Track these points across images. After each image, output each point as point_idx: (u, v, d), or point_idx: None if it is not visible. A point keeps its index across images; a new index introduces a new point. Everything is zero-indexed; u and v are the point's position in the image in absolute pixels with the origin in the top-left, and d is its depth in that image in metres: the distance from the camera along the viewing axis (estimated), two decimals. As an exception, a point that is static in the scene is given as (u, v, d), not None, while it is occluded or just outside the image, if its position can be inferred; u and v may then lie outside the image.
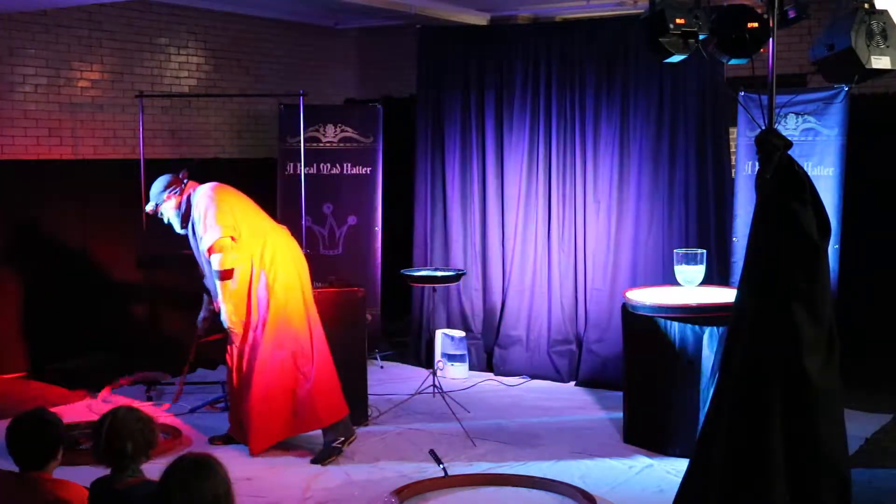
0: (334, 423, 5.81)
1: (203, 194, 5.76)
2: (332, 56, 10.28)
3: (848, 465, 3.99)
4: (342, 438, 5.81)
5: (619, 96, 7.47)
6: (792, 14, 4.35)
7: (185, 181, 5.88)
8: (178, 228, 5.91)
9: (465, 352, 7.83)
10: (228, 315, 5.73)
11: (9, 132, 7.75)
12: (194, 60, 9.02)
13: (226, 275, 5.67)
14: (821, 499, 3.84)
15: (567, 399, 7.18)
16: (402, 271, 7.16)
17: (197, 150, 9.05)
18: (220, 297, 5.73)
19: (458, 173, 8.09)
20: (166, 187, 5.85)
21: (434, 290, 7.22)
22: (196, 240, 5.80)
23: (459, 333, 7.84)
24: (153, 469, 3.44)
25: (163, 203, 5.86)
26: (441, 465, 5.39)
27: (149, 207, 5.96)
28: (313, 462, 5.70)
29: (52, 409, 3.87)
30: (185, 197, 5.84)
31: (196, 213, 5.73)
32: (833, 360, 3.93)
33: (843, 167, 6.60)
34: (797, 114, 6.73)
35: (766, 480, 3.81)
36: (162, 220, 5.93)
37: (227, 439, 6.02)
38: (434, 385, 6.90)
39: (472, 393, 7.30)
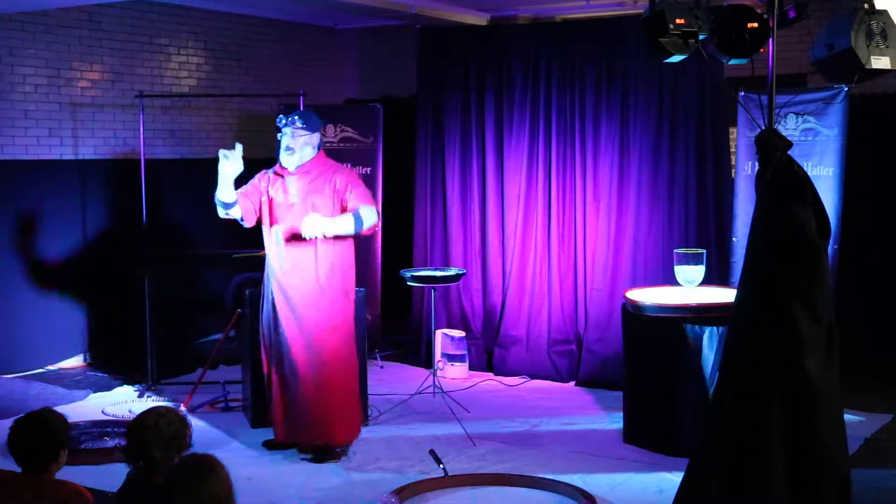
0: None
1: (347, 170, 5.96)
2: (332, 56, 10.28)
3: (848, 465, 3.99)
4: (342, 450, 5.81)
5: (619, 96, 7.46)
6: (792, 14, 4.35)
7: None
8: (293, 164, 5.69)
9: (465, 352, 7.83)
10: (326, 227, 5.48)
11: (9, 132, 7.76)
12: (194, 60, 9.02)
13: (365, 231, 5.63)
14: (821, 499, 3.84)
15: (567, 399, 7.18)
16: (401, 271, 7.16)
17: (197, 150, 9.06)
18: (339, 226, 5.54)
19: (458, 173, 8.09)
20: (320, 125, 5.83)
21: (434, 290, 7.21)
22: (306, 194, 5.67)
23: (459, 333, 7.84)
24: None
25: (315, 135, 5.74)
26: (441, 465, 5.39)
27: (301, 124, 5.67)
28: (313, 461, 5.69)
29: (58, 408, 3.84)
30: (322, 156, 5.83)
31: (361, 189, 5.73)
32: (833, 360, 3.93)
33: (843, 167, 6.60)
34: (797, 114, 6.73)
35: (766, 480, 3.81)
36: (292, 134, 5.67)
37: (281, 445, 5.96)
38: (434, 385, 6.90)
39: (472, 393, 7.30)
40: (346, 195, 5.66)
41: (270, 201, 5.75)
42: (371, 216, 5.64)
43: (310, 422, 5.70)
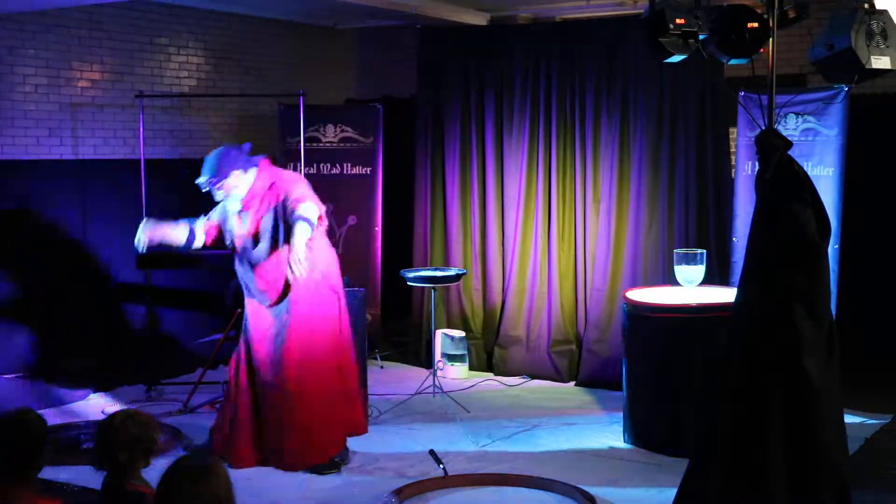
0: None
1: (297, 176, 5.70)
2: (332, 56, 10.28)
3: (848, 465, 3.99)
4: (342, 457, 5.73)
5: (619, 96, 7.46)
6: (792, 14, 4.35)
7: (255, 158, 5.59)
8: (234, 206, 5.57)
9: (465, 352, 7.83)
10: (301, 254, 5.37)
11: (9, 132, 7.76)
12: (194, 60, 9.02)
13: (313, 224, 5.44)
14: (821, 499, 3.84)
15: (567, 399, 7.18)
16: (401, 272, 7.16)
17: (197, 150, 9.04)
18: (302, 239, 5.37)
19: (458, 173, 8.09)
20: (237, 163, 5.53)
21: (434, 290, 7.21)
22: (249, 219, 5.56)
23: (459, 333, 7.84)
24: (154, 470, 3.44)
25: (232, 176, 5.50)
26: (441, 465, 5.39)
27: (205, 181, 5.52)
28: (312, 472, 5.58)
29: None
30: (263, 173, 5.57)
31: (293, 188, 5.49)
32: (833, 360, 3.93)
33: (843, 167, 6.60)
34: (797, 114, 6.73)
35: (766, 480, 3.81)
36: (218, 191, 5.54)
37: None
38: (434, 385, 6.90)
39: (472, 393, 7.30)
40: (287, 204, 5.47)
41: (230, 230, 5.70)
42: (311, 209, 5.43)
43: (286, 445, 5.61)
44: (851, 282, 6.85)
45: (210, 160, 5.59)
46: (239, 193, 5.57)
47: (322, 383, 5.62)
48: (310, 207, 5.42)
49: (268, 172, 5.64)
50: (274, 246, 5.57)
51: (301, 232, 5.32)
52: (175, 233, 5.75)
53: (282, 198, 5.51)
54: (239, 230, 5.67)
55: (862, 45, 4.13)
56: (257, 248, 5.60)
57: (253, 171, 5.59)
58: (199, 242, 5.84)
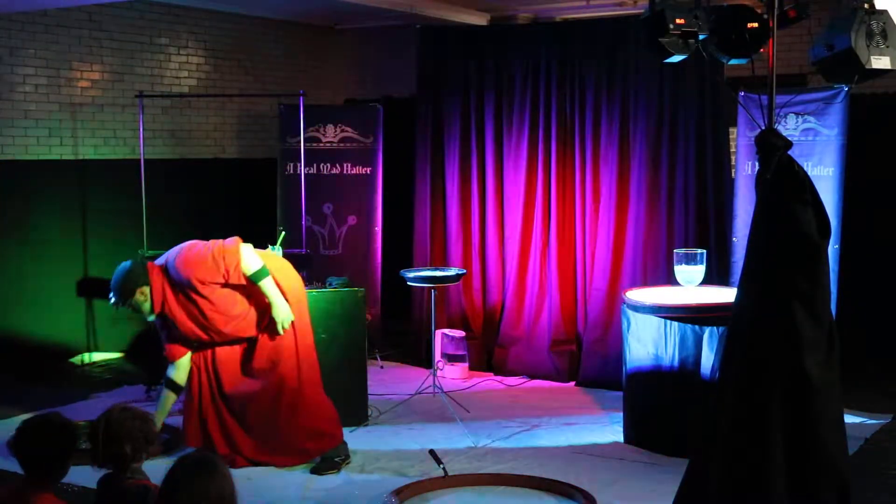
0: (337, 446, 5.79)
1: (181, 262, 5.48)
2: (332, 56, 10.28)
3: (848, 464, 3.99)
4: (342, 457, 5.73)
5: (619, 96, 7.47)
6: (792, 14, 4.35)
7: (146, 267, 5.51)
8: (149, 315, 5.57)
9: (465, 352, 7.83)
10: (282, 308, 5.55)
11: (9, 132, 7.76)
12: (194, 60, 9.03)
13: (263, 272, 5.50)
14: (820, 499, 3.84)
15: (567, 399, 7.18)
16: (401, 271, 7.16)
17: (197, 150, 9.06)
18: (271, 296, 5.53)
19: (458, 173, 8.09)
20: (138, 280, 5.46)
21: (434, 290, 7.21)
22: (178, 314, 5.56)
23: (459, 333, 7.84)
24: (156, 470, 3.44)
25: (137, 294, 5.47)
26: (441, 465, 5.39)
27: (116, 301, 5.49)
28: (312, 472, 5.61)
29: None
30: (159, 280, 5.50)
31: (192, 272, 5.44)
32: (833, 360, 3.92)
33: (843, 167, 6.60)
34: (797, 114, 6.73)
35: (765, 480, 3.81)
36: (132, 309, 5.55)
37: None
38: (434, 385, 6.91)
39: (472, 393, 7.30)
40: (222, 269, 5.45)
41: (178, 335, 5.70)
42: (246, 263, 5.47)
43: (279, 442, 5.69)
44: (851, 282, 6.86)
45: (113, 288, 5.52)
46: (146, 308, 5.53)
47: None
48: (244, 263, 5.45)
49: (158, 273, 5.54)
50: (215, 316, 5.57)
51: (269, 286, 5.49)
52: (169, 403, 5.87)
53: (187, 280, 5.46)
54: (182, 326, 5.61)
55: (862, 45, 4.13)
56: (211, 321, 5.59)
57: (149, 282, 5.51)
58: (184, 371, 5.84)
